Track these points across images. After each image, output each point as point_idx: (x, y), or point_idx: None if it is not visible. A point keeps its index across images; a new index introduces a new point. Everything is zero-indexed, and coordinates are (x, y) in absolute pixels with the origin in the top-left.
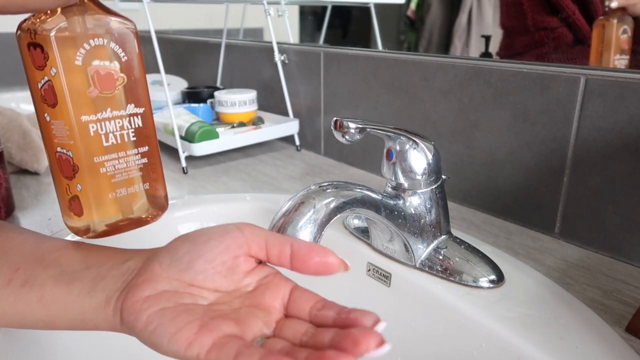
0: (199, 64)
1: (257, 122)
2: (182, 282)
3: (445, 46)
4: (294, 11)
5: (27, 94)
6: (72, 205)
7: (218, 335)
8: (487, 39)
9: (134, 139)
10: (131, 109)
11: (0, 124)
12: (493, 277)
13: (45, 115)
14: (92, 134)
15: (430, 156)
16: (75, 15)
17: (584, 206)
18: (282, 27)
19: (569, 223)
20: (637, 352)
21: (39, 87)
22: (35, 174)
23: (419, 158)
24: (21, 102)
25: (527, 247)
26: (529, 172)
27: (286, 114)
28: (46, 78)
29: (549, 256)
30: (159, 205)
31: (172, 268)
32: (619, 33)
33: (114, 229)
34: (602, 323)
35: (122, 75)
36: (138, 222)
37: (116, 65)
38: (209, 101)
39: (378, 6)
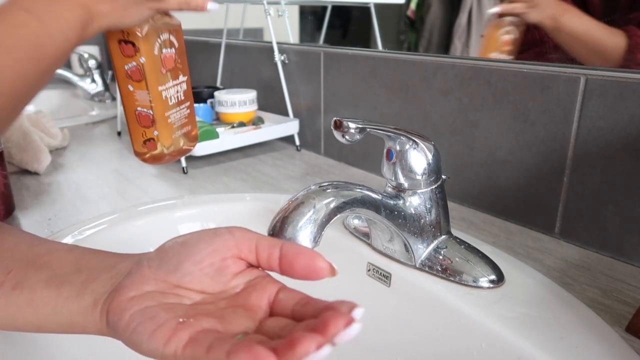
0: (199, 64)
1: (257, 122)
2: (169, 284)
3: (445, 46)
4: (294, 11)
5: None
6: (147, 144)
7: (195, 330)
8: None
9: (183, 97)
10: (181, 78)
11: None
12: (493, 277)
13: (129, 86)
14: (163, 98)
15: (430, 156)
16: (152, 20)
17: (584, 206)
18: (282, 27)
19: (569, 223)
20: (637, 352)
21: (126, 68)
22: (35, 174)
23: (419, 158)
24: None
25: (527, 247)
26: (529, 172)
27: (286, 114)
28: (134, 63)
29: (549, 256)
30: (194, 138)
31: (161, 270)
32: (503, 33)
33: (172, 156)
34: (602, 323)
35: (176, 56)
36: (185, 151)
37: (173, 51)
38: (209, 101)
39: (378, 6)
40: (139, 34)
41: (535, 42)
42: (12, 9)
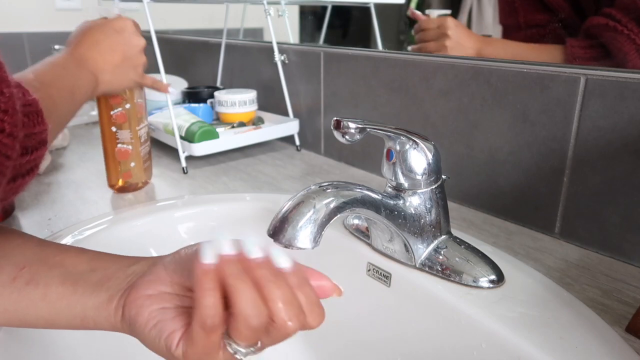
0: (199, 64)
1: (257, 122)
2: (183, 287)
3: None
4: (294, 11)
5: None
6: (125, 174)
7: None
8: None
9: (146, 137)
10: (146, 122)
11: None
12: (493, 277)
13: (113, 128)
14: (139, 136)
15: (430, 156)
16: None
17: (584, 206)
18: (282, 27)
19: (569, 223)
20: (637, 352)
21: (112, 113)
22: None
23: (419, 158)
24: None
25: (527, 247)
26: (529, 172)
27: (286, 114)
28: (120, 109)
29: (549, 256)
30: (150, 176)
31: (176, 274)
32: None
33: (140, 187)
34: (602, 323)
35: (144, 105)
36: (147, 183)
37: (143, 101)
38: (209, 101)
39: (378, 6)
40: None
41: (529, 41)
42: (53, 66)
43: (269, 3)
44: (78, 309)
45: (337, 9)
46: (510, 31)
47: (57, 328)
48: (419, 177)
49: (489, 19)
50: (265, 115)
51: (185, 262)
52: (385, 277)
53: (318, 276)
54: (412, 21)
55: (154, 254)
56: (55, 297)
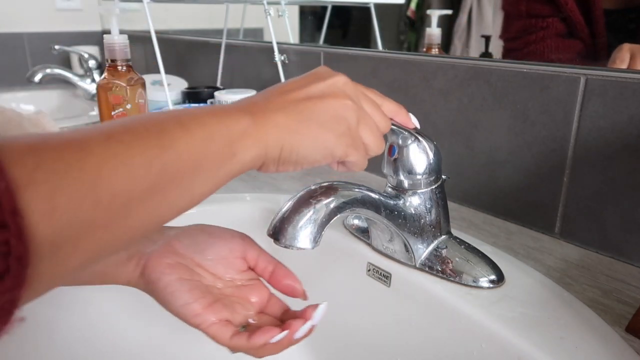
0: (199, 64)
1: None
2: (194, 262)
3: (445, 46)
4: (294, 11)
5: (27, 93)
6: None
7: (218, 318)
8: (487, 39)
9: None
10: None
11: (0, 124)
12: (493, 277)
13: None
14: None
15: (431, 155)
16: (132, 76)
17: (584, 206)
18: (282, 27)
19: (569, 223)
20: (637, 352)
21: (113, 114)
22: None
23: (420, 157)
24: (21, 102)
25: (527, 247)
26: (529, 172)
27: None
28: (121, 109)
29: (549, 256)
30: None
31: (189, 249)
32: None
33: None
34: (602, 323)
35: (145, 105)
36: None
37: (143, 101)
38: (209, 101)
39: (378, 6)
40: (126, 86)
41: (526, 31)
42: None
43: (269, 3)
44: (99, 266)
45: (337, 9)
46: (511, 18)
47: (81, 284)
48: (419, 177)
49: (489, 19)
50: None
51: (199, 241)
52: (385, 277)
53: (293, 278)
54: (412, 21)
55: None
56: None
